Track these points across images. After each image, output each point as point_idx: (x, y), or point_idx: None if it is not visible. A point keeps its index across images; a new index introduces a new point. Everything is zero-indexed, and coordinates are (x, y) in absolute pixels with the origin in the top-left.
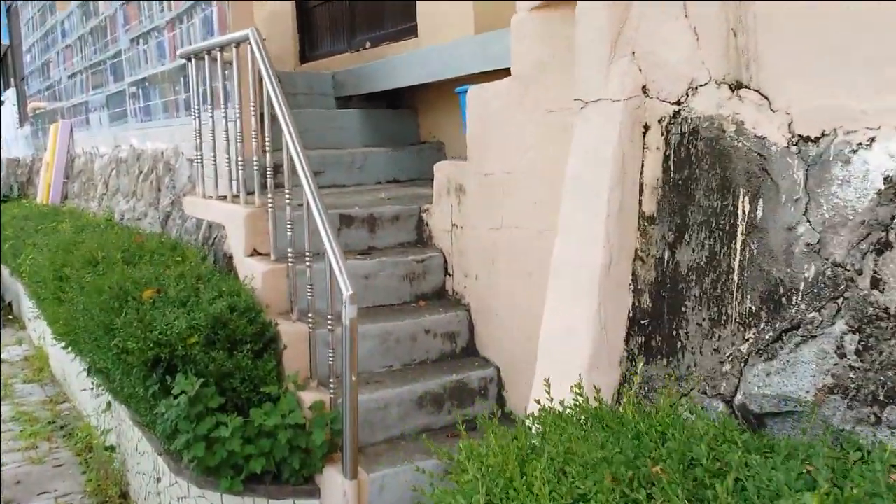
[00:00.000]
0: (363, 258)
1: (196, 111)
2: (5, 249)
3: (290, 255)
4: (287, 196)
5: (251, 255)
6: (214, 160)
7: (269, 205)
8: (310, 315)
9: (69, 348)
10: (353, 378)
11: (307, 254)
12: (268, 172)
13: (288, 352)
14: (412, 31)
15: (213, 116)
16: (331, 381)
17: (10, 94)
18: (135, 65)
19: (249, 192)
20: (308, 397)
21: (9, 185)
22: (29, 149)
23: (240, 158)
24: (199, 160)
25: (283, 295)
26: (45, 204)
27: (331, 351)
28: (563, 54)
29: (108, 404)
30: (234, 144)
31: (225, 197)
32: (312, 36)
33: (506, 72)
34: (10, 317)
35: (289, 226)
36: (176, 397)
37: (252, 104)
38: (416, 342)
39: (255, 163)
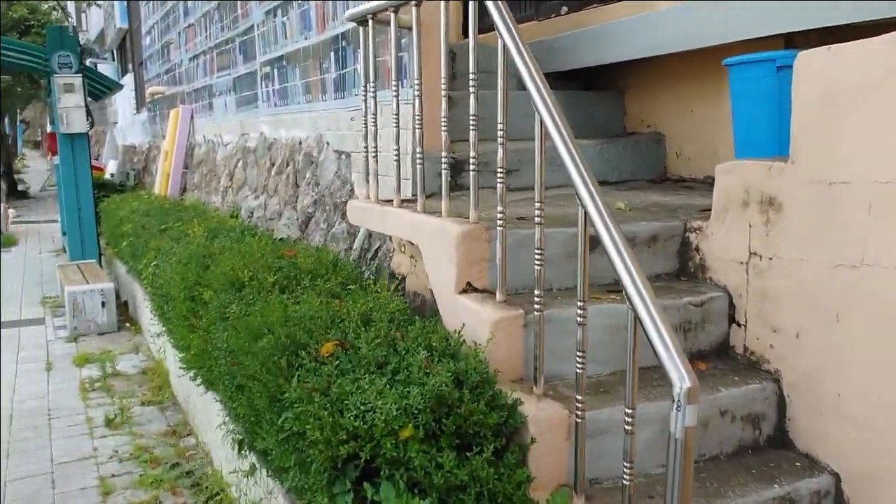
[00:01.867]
0: (619, 298)
1: (369, 89)
2: (123, 247)
3: (537, 296)
4: (538, 209)
5: (463, 291)
6: (397, 153)
7: (500, 220)
8: (578, 397)
9: (199, 381)
10: None
11: (580, 302)
12: (499, 173)
13: (537, 448)
14: None
15: (397, 96)
16: None
17: (128, 80)
18: (269, 41)
19: (432, 194)
20: None
21: (125, 174)
22: (145, 136)
23: (444, 153)
24: (370, 153)
25: (519, 355)
26: (164, 197)
27: (626, 466)
28: None
29: (253, 467)
30: (440, 132)
31: (411, 202)
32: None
33: (774, 39)
34: (126, 322)
35: (538, 255)
36: None
37: (473, 76)
38: (706, 429)
39: (472, 159)
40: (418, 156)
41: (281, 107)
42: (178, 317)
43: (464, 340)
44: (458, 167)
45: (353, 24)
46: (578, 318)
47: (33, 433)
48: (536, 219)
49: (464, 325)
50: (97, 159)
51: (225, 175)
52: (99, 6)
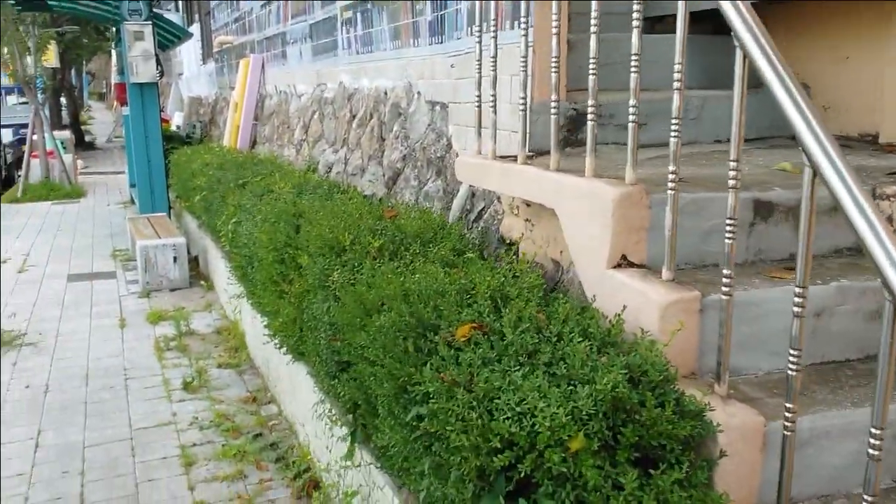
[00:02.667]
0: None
1: (487, 29)
2: (196, 201)
3: (726, 275)
4: (734, 169)
5: (617, 266)
6: (524, 102)
7: (671, 181)
8: (789, 405)
9: (284, 349)
10: None
11: (797, 288)
12: (674, 124)
13: (727, 463)
14: None
15: (526, 34)
16: None
17: (194, 30)
18: None
19: (547, 151)
20: None
21: (191, 126)
22: (212, 87)
23: (591, 101)
24: (487, 102)
25: (693, 346)
26: (235, 150)
27: (868, 500)
28: None
29: (351, 451)
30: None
31: (531, 157)
32: None
33: None
34: (198, 277)
35: (730, 225)
36: None
37: (637, 5)
38: None
39: (632, 108)
40: (553, 105)
41: (364, 54)
42: (265, 280)
43: (632, 327)
44: (579, 120)
45: None
46: (795, 308)
47: (110, 394)
48: (731, 181)
49: (625, 307)
50: (162, 111)
51: (299, 127)
52: None
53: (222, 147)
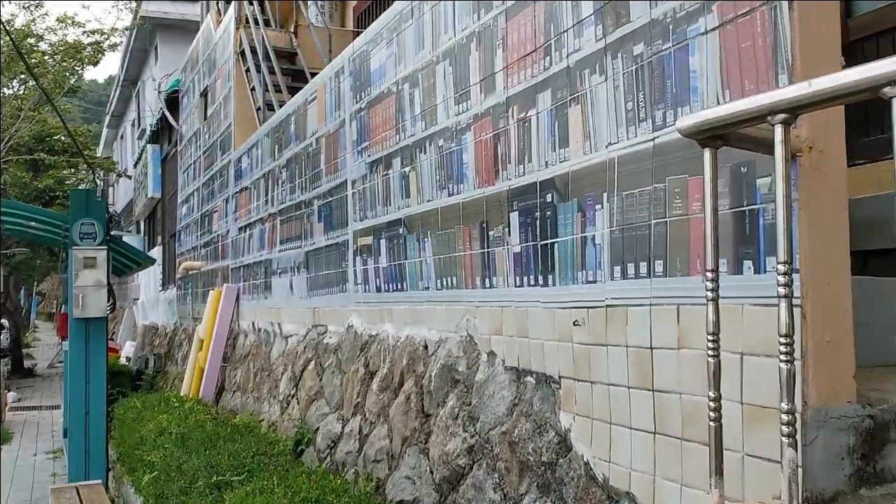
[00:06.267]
0: None
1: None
2: (144, 483)
3: None
4: None
5: None
6: None
7: None
8: None
9: None
10: None
11: None
12: None
13: None
14: None
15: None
16: None
17: (156, 253)
18: (373, 202)
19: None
20: None
21: (143, 359)
22: (171, 316)
23: None
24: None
25: None
26: (199, 403)
27: None
28: None
29: None
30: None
31: None
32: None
33: None
34: None
35: None
36: None
37: None
38: None
39: None
40: None
41: (392, 292)
42: None
43: None
44: (878, 434)
45: (566, 169)
46: None
47: None
48: None
49: None
50: (111, 339)
51: (286, 378)
52: (129, 177)
53: (180, 399)
